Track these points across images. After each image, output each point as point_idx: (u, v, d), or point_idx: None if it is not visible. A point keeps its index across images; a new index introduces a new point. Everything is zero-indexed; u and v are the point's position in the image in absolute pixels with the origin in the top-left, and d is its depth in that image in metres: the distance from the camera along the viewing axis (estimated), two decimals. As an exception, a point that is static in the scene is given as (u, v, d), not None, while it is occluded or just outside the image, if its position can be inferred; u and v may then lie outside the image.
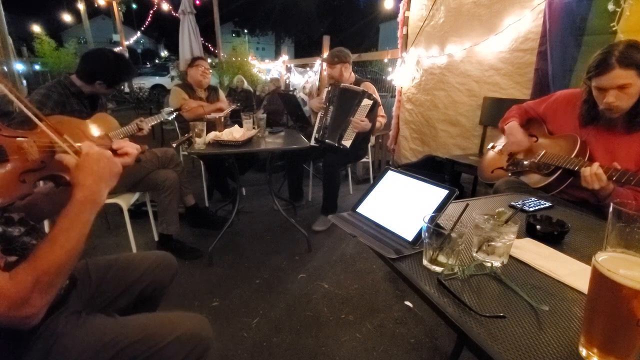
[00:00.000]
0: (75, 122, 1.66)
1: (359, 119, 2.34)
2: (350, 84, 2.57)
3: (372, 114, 2.39)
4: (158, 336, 0.78)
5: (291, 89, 6.41)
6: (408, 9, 3.23)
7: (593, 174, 1.18)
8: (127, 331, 0.78)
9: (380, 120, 2.63)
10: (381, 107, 2.65)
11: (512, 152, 1.65)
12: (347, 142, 2.39)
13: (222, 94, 3.08)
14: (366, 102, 2.34)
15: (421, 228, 0.78)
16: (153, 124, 2.07)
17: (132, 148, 0.87)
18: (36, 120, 0.73)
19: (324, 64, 4.63)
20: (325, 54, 4.59)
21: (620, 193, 1.22)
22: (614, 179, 1.16)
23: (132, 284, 0.99)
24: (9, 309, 0.59)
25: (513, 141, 1.61)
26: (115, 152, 0.84)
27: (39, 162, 0.76)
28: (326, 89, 2.63)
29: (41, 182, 0.83)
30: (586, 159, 1.32)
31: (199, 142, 1.92)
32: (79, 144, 0.77)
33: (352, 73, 2.71)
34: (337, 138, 2.39)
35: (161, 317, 0.86)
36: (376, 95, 2.59)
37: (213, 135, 2.01)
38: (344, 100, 2.44)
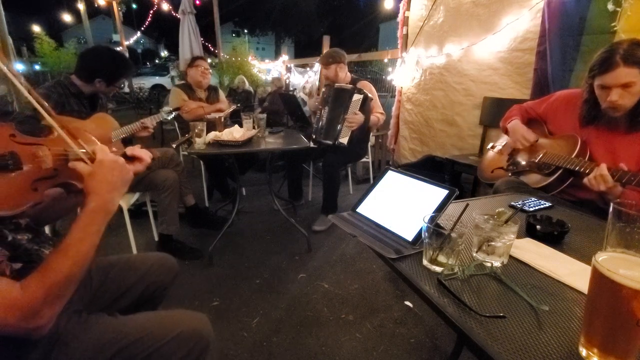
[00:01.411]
0: (75, 123, 1.66)
1: (352, 114, 2.37)
2: (347, 83, 2.57)
3: (364, 108, 2.41)
4: (158, 334, 0.78)
5: (291, 89, 6.40)
6: (408, 9, 3.23)
7: (598, 175, 1.16)
8: (128, 330, 0.78)
9: (379, 117, 2.63)
10: (379, 103, 2.65)
11: (515, 150, 1.64)
12: (344, 140, 2.40)
13: (222, 94, 3.08)
14: (357, 97, 2.37)
15: (421, 228, 0.78)
16: (156, 122, 2.08)
17: (146, 155, 0.86)
18: (53, 123, 0.71)
19: (323, 64, 4.64)
20: (325, 54, 4.59)
21: (628, 196, 1.19)
22: (615, 179, 1.16)
23: (132, 285, 0.99)
24: (20, 320, 0.59)
25: (518, 136, 1.57)
26: (128, 157, 0.83)
27: (52, 169, 0.75)
28: (322, 91, 2.64)
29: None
30: (586, 159, 1.32)
31: (199, 142, 1.92)
32: (92, 149, 0.76)
33: (348, 73, 2.71)
34: (334, 137, 2.40)
35: (161, 316, 0.86)
36: (373, 93, 2.59)
37: (213, 135, 2.01)
38: (337, 100, 2.46)
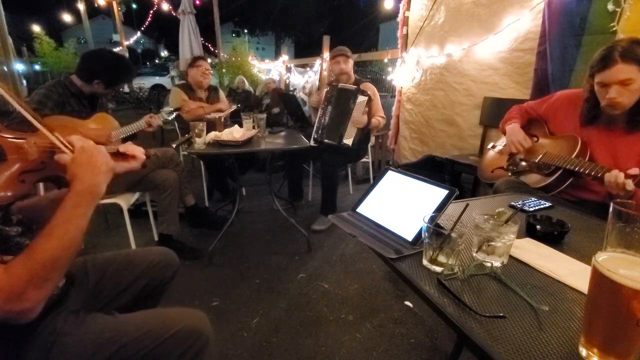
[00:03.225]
0: (75, 123, 1.66)
1: (357, 116, 2.38)
2: (351, 84, 2.57)
3: (367, 109, 2.43)
4: (157, 332, 0.78)
5: (291, 89, 6.40)
6: (408, 9, 3.23)
7: (621, 183, 1.13)
8: (126, 328, 0.78)
9: (379, 120, 2.64)
10: (380, 107, 2.66)
11: (512, 153, 1.65)
12: (348, 141, 2.40)
13: (222, 94, 3.07)
14: (361, 99, 2.39)
15: (421, 228, 0.78)
16: (169, 118, 2.09)
17: (139, 151, 0.86)
18: (32, 119, 0.73)
19: (324, 64, 4.65)
20: (326, 54, 4.58)
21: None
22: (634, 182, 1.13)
23: (132, 282, 0.99)
24: (4, 302, 0.58)
25: (514, 140, 1.58)
26: (122, 155, 0.84)
27: (39, 162, 0.76)
28: (325, 89, 2.64)
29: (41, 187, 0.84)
30: (587, 159, 1.32)
31: (199, 142, 1.92)
32: (70, 140, 0.77)
33: (353, 73, 2.72)
34: (338, 137, 2.40)
35: (160, 313, 0.86)
36: (376, 96, 2.60)
37: (213, 135, 2.01)
38: (341, 100, 2.46)
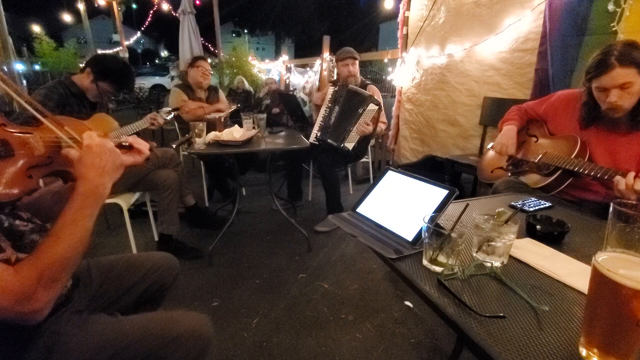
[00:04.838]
0: (75, 123, 1.66)
1: (364, 123, 2.37)
2: (358, 86, 2.57)
3: (375, 116, 2.42)
4: (158, 335, 0.78)
5: (291, 89, 6.41)
6: (408, 9, 3.23)
7: (631, 187, 1.11)
8: (128, 330, 0.78)
9: (381, 126, 2.65)
10: (383, 112, 2.65)
11: (515, 150, 1.65)
12: (350, 145, 2.39)
13: (222, 95, 3.07)
14: (372, 107, 2.36)
15: (421, 228, 0.78)
16: (167, 118, 2.10)
17: (144, 146, 0.85)
18: (36, 114, 0.73)
19: (324, 64, 4.65)
20: (326, 54, 4.59)
21: None
22: None
23: (133, 285, 0.99)
24: (14, 303, 0.58)
25: (502, 142, 1.63)
26: (127, 148, 0.83)
27: (46, 157, 0.76)
28: (332, 88, 2.61)
29: (41, 181, 0.83)
30: (586, 160, 1.32)
31: (199, 142, 1.92)
32: (80, 135, 0.76)
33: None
34: (340, 139, 2.39)
35: (161, 316, 0.86)
36: (380, 99, 2.60)
37: (213, 135, 2.01)
38: (350, 103, 2.44)
